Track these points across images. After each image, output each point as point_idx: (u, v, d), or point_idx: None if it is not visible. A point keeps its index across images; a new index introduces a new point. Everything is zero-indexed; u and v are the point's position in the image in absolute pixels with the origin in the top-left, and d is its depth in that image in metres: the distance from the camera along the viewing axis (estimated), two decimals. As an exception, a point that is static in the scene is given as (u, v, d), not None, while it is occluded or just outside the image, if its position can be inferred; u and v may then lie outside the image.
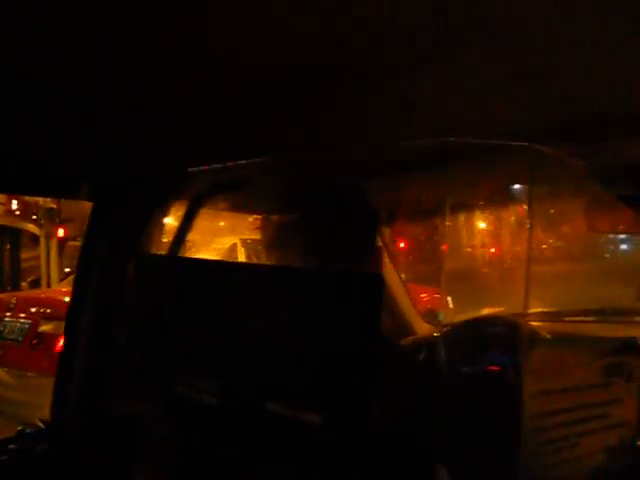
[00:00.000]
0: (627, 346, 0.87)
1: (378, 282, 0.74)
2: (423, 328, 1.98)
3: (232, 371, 0.87)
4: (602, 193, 1.12)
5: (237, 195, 1.04)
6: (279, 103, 0.83)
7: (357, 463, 0.78)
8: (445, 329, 1.82)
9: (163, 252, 1.12)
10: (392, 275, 1.86)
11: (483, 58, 0.70)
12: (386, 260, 1.82)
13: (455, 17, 0.59)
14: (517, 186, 1.54)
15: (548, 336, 1.03)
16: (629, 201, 1.20)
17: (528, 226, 0.76)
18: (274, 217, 0.92)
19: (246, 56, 0.66)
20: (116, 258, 1.10)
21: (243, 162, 0.91)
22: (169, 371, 0.93)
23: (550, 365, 0.76)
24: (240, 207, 1.12)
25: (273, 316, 0.82)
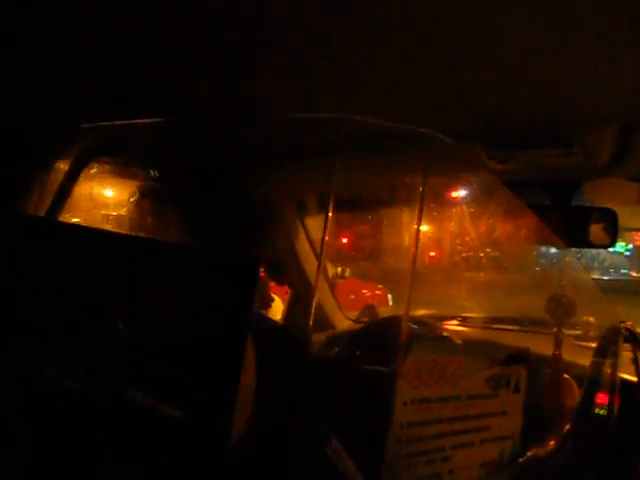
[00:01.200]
0: (518, 357, 0.83)
1: (251, 267, 0.66)
2: (343, 323, 1.92)
3: (95, 353, 0.77)
4: (516, 201, 1.08)
5: (122, 158, 0.94)
6: (181, 64, 0.74)
7: (219, 462, 0.70)
8: (361, 325, 1.78)
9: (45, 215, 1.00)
10: (314, 268, 1.79)
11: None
12: (309, 253, 1.75)
13: None
14: (460, 190, 1.50)
15: (442, 341, 0.99)
16: (542, 212, 1.17)
17: (416, 223, 0.69)
18: (155, 186, 0.83)
19: (149, 9, 0.58)
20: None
21: (136, 122, 0.82)
22: (29, 350, 0.83)
23: (432, 372, 0.70)
24: (122, 172, 1.02)
25: (138, 294, 0.73)
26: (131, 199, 0.89)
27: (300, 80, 0.74)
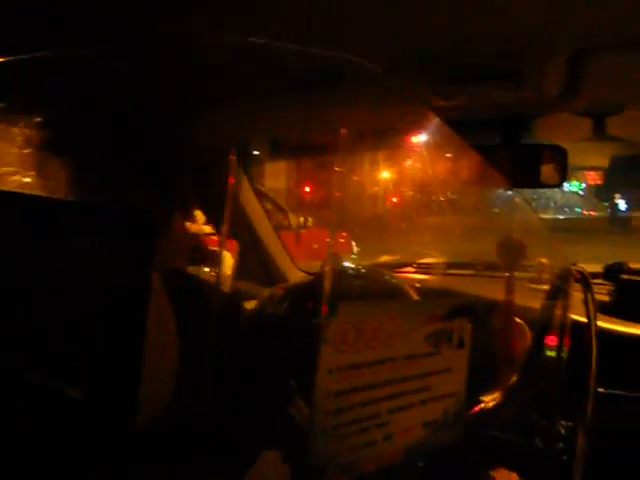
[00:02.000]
0: (462, 309, 0.75)
1: (145, 221, 0.55)
2: (296, 276, 1.84)
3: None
4: (461, 141, 0.99)
5: (9, 102, 0.79)
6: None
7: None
8: (311, 278, 1.69)
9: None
10: (262, 220, 1.68)
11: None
12: (254, 203, 1.64)
13: None
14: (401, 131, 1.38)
15: (377, 297, 0.91)
16: (490, 151, 1.08)
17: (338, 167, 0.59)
18: (52, 134, 0.70)
19: None
20: None
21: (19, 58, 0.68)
22: None
23: (362, 334, 0.61)
24: (7, 119, 0.88)
25: (30, 262, 0.62)
26: (21, 150, 0.76)
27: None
